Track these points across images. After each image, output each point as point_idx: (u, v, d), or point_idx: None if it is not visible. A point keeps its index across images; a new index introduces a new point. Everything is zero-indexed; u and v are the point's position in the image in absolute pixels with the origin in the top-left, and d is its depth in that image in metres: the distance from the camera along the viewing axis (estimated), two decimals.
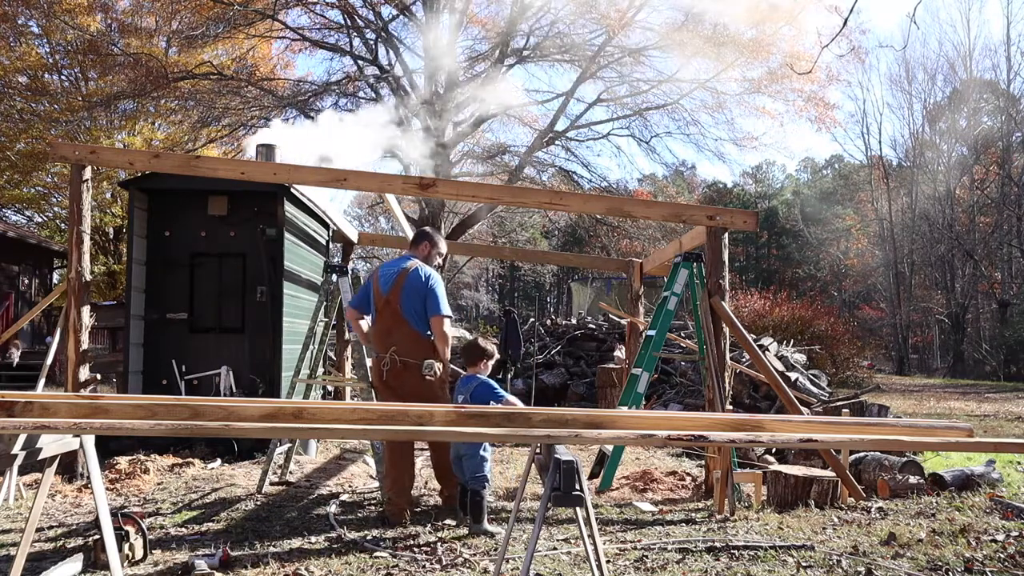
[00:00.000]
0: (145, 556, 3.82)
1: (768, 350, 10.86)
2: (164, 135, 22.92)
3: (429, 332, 4.90)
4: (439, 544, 4.17)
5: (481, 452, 4.57)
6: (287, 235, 7.37)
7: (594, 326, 14.73)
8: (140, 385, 7.13)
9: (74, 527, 4.52)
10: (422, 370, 4.79)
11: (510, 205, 17.56)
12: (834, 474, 5.18)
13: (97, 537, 3.60)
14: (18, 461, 2.89)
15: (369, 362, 5.49)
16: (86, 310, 5.80)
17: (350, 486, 5.85)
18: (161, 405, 2.84)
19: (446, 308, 4.90)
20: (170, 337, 7.24)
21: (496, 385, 4.67)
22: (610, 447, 5.81)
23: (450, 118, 19.32)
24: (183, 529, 4.49)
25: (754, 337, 9.13)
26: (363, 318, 5.26)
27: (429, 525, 4.59)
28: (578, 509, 2.99)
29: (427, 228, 5.59)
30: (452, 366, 5.29)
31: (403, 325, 4.86)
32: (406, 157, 17.78)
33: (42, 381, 5.77)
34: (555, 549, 4.09)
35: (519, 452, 7.43)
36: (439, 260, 5.31)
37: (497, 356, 4.89)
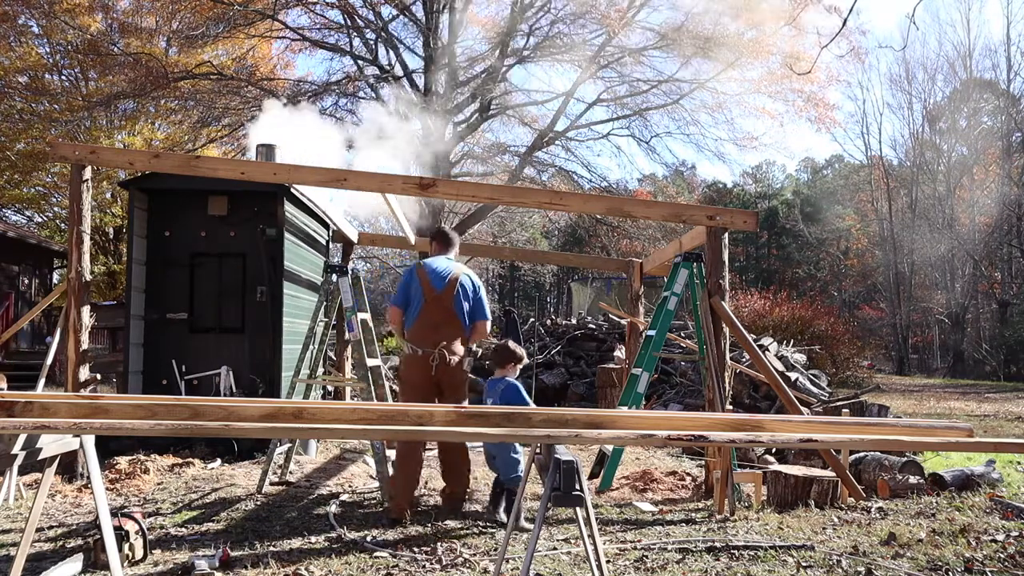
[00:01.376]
0: (145, 556, 3.82)
1: (768, 350, 10.87)
2: (164, 135, 22.91)
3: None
4: (439, 544, 4.17)
5: (512, 454, 4.73)
6: (287, 235, 7.37)
7: (594, 326, 14.73)
8: (140, 385, 7.12)
9: (74, 527, 4.52)
10: (464, 365, 5.18)
11: (510, 205, 17.53)
12: (834, 474, 5.19)
13: (97, 537, 3.60)
14: (18, 461, 2.89)
15: (389, 360, 5.62)
16: (86, 310, 5.80)
17: (350, 486, 5.85)
18: (161, 405, 2.84)
19: (489, 313, 5.43)
20: (170, 337, 7.24)
21: (523, 389, 4.92)
22: (610, 447, 5.81)
23: (450, 118, 19.31)
24: (183, 529, 4.49)
25: (754, 337, 9.13)
26: None
27: (429, 525, 4.60)
28: (578, 509, 2.99)
29: (446, 227, 6.12)
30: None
31: (453, 321, 5.16)
32: (406, 157, 17.76)
33: (42, 381, 5.77)
34: (555, 549, 4.09)
35: None
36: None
37: (526, 360, 5.20)
